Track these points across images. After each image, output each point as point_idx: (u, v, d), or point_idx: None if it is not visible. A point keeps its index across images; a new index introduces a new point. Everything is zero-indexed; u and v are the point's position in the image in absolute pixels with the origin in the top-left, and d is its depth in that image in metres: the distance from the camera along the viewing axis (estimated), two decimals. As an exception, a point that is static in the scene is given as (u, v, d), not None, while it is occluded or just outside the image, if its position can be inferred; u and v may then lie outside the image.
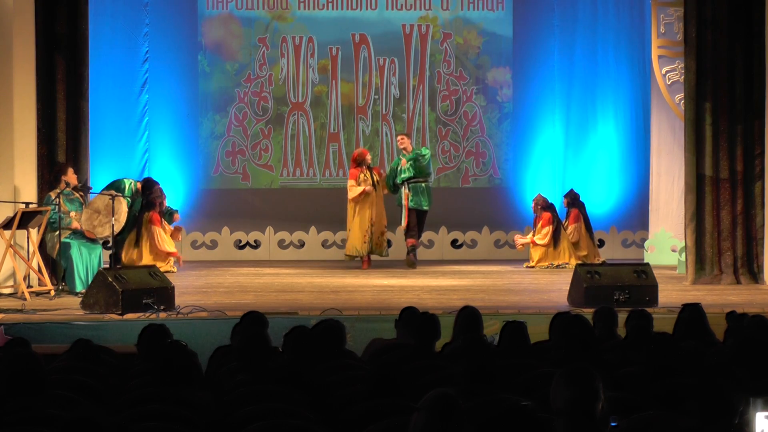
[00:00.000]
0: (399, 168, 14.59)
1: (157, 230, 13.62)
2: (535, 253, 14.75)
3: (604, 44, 16.33)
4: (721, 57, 12.55)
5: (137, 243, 13.59)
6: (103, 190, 12.38)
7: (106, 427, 4.02)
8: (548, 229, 14.63)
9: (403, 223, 14.56)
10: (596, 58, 16.35)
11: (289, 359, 6.08)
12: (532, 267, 14.65)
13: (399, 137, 14.93)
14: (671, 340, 5.91)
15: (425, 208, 14.63)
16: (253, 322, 6.99)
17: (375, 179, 14.47)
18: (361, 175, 14.39)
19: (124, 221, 12.14)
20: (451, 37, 16.51)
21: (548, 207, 14.84)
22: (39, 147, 12.00)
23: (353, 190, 14.39)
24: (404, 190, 14.54)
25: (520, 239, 15.10)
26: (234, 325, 7.12)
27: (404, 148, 14.63)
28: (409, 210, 14.49)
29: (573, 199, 15.01)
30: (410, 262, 14.49)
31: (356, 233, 14.35)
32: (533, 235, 14.85)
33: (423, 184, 14.57)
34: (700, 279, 12.56)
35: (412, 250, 14.63)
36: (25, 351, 5.50)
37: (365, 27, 16.40)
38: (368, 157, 14.62)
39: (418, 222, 14.64)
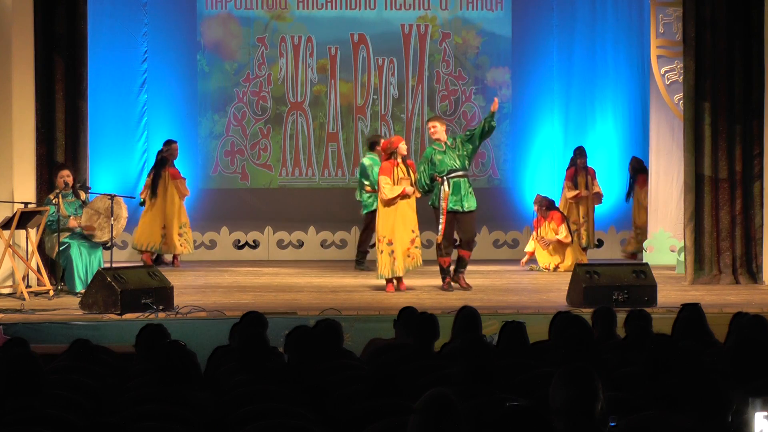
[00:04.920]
0: (432, 158, 11.47)
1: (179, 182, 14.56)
2: (551, 257, 14.42)
3: (603, 44, 16.32)
4: (720, 57, 12.54)
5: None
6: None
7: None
8: (564, 227, 14.40)
9: (440, 233, 11.43)
10: (595, 58, 16.34)
11: (290, 359, 6.08)
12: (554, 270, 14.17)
13: (431, 123, 11.75)
14: (670, 340, 5.91)
15: (471, 208, 11.58)
16: (253, 322, 6.99)
17: (413, 177, 11.43)
18: (397, 171, 11.33)
19: (124, 226, 12.09)
20: (450, 37, 16.50)
21: (552, 205, 14.59)
22: (38, 147, 11.98)
23: (387, 191, 11.24)
24: (444, 188, 11.34)
25: (546, 239, 14.32)
26: (233, 325, 7.13)
27: (437, 138, 11.56)
28: (448, 213, 11.37)
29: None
30: (447, 286, 11.65)
31: (396, 248, 11.33)
32: (539, 236, 14.49)
33: (464, 179, 11.50)
34: (699, 279, 12.55)
35: (446, 272, 11.60)
36: (24, 351, 5.50)
37: (364, 27, 16.39)
38: (402, 146, 11.39)
39: (463, 229, 11.61)
